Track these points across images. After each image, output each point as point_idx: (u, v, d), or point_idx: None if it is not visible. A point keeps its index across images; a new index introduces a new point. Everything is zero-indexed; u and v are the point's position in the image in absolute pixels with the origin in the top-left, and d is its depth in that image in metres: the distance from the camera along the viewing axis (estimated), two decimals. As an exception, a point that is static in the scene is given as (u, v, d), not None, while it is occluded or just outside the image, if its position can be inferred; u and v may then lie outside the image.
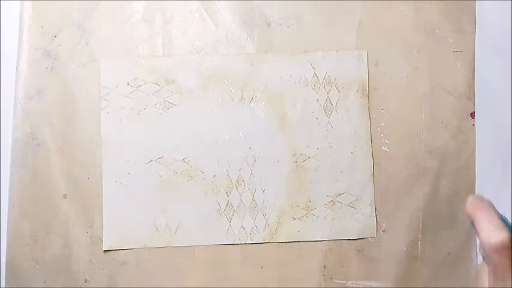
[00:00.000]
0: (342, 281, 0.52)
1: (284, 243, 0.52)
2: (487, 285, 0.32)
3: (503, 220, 0.31)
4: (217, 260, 0.52)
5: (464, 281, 0.53)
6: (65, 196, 0.51)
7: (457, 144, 0.54)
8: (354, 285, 0.52)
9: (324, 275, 0.52)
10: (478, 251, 0.30)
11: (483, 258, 0.32)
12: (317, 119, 0.53)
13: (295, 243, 0.52)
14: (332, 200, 0.52)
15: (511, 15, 0.55)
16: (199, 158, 0.52)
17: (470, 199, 0.34)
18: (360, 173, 0.53)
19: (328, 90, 0.53)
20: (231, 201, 0.52)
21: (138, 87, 0.52)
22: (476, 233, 0.32)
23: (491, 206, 0.33)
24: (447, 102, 0.54)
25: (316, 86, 0.53)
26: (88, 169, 0.52)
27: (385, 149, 0.53)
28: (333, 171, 0.52)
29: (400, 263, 0.52)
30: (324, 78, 0.53)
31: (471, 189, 0.53)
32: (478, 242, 0.52)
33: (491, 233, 0.30)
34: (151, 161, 0.52)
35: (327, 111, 0.53)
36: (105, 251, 0.51)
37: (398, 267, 0.52)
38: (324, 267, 0.52)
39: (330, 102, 0.53)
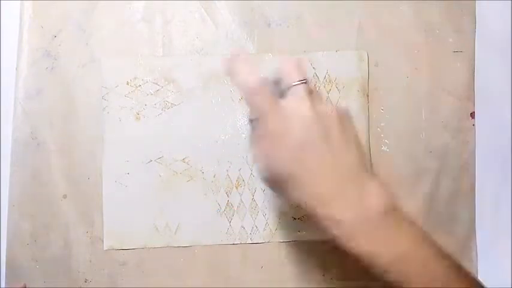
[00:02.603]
0: (342, 281, 0.52)
1: (284, 243, 0.52)
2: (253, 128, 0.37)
3: None
4: (217, 260, 0.52)
5: (464, 281, 0.53)
6: (65, 196, 0.51)
7: (457, 144, 0.54)
8: (354, 285, 0.52)
9: (324, 275, 0.52)
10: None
11: (246, 102, 0.36)
12: (317, 119, 0.53)
13: (295, 243, 0.52)
14: (332, 200, 0.52)
15: (511, 15, 0.55)
16: (199, 158, 0.52)
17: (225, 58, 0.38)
18: (360, 173, 0.53)
19: (328, 90, 0.53)
20: (231, 201, 0.52)
21: (137, 87, 0.52)
22: (236, 83, 0.36)
23: (244, 58, 0.37)
24: (447, 102, 0.54)
25: (316, 86, 0.53)
26: (88, 169, 0.52)
27: (385, 149, 0.53)
28: (333, 171, 0.52)
29: (400, 263, 0.52)
30: (325, 77, 0.53)
31: (471, 189, 0.53)
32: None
33: (248, 78, 0.35)
34: (151, 161, 0.52)
35: (327, 111, 0.53)
36: (105, 251, 0.51)
37: (398, 267, 0.52)
38: (324, 267, 0.52)
39: (331, 102, 0.53)
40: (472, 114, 0.54)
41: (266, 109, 0.35)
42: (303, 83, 0.35)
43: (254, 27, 0.54)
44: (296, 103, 0.35)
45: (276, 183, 0.36)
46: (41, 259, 0.51)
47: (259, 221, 0.52)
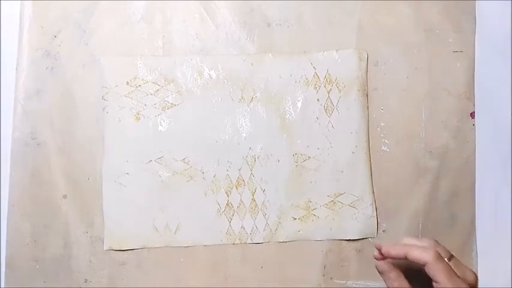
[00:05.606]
0: (342, 281, 0.52)
1: (284, 243, 0.52)
2: None
3: None
4: (217, 260, 0.52)
5: (464, 281, 0.53)
6: (65, 196, 0.51)
7: (457, 144, 0.54)
8: (354, 285, 0.52)
9: (324, 275, 0.52)
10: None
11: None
12: (317, 118, 0.53)
13: (295, 243, 0.52)
14: (332, 200, 0.52)
15: (511, 15, 0.55)
16: (199, 158, 0.52)
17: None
18: (360, 173, 0.53)
19: (329, 90, 0.53)
20: (231, 201, 0.52)
21: (137, 87, 0.52)
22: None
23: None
24: (447, 102, 0.54)
25: (317, 86, 0.53)
26: (88, 169, 0.52)
27: (385, 149, 0.53)
28: (333, 171, 0.52)
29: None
30: (325, 77, 0.53)
31: (471, 189, 0.53)
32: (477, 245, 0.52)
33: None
34: (151, 161, 0.52)
35: (327, 110, 0.53)
36: (105, 251, 0.51)
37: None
38: (324, 267, 0.52)
39: (331, 101, 0.53)
40: (472, 114, 0.54)
41: None
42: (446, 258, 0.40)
43: (254, 27, 0.54)
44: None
45: None
46: (41, 259, 0.51)
47: (259, 221, 0.52)
